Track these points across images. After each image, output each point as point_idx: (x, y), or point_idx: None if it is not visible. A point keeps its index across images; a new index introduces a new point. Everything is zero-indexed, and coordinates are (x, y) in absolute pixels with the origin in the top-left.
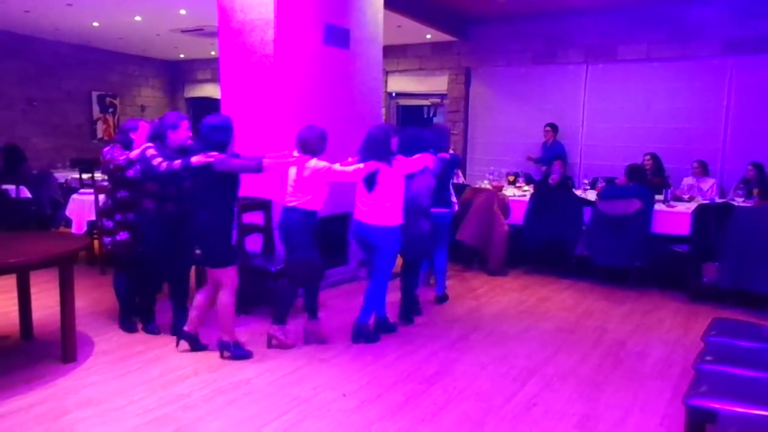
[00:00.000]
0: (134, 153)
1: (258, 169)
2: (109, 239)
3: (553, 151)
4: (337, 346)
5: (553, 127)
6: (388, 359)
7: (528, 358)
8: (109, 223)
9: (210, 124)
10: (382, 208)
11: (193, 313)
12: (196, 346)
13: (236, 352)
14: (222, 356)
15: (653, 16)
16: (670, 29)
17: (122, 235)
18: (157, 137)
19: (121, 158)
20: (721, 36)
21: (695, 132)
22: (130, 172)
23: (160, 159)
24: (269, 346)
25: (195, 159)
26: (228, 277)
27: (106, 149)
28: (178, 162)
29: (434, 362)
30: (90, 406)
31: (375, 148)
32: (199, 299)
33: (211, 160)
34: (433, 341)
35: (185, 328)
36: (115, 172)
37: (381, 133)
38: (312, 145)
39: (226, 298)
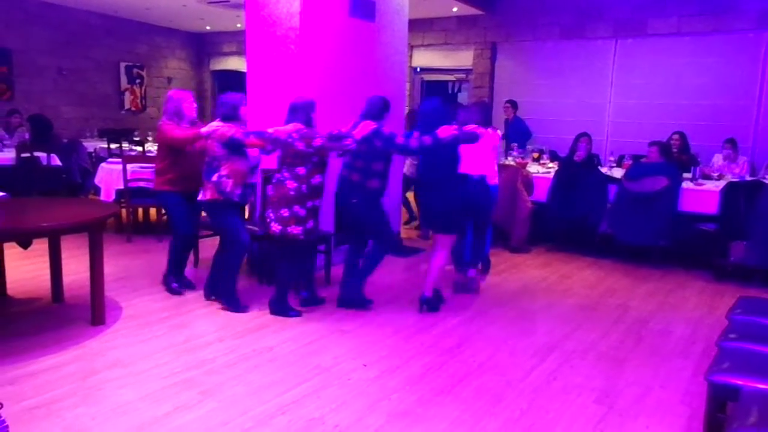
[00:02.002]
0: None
1: (476, 138)
2: (300, 228)
3: (515, 129)
4: (357, 318)
5: (513, 104)
6: (408, 331)
7: (548, 334)
8: (302, 211)
9: (430, 108)
10: (494, 170)
11: (431, 278)
12: (436, 307)
13: (436, 304)
14: (420, 310)
15: None
16: (703, 2)
17: (311, 223)
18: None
19: (348, 142)
20: (756, 8)
21: (727, 108)
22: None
23: (402, 137)
24: (472, 292)
25: (442, 133)
26: (449, 241)
27: (289, 131)
28: (427, 137)
29: (454, 336)
30: (117, 368)
31: (487, 117)
32: (432, 261)
33: (457, 132)
34: (453, 315)
35: (426, 294)
36: (314, 155)
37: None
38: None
39: (443, 258)
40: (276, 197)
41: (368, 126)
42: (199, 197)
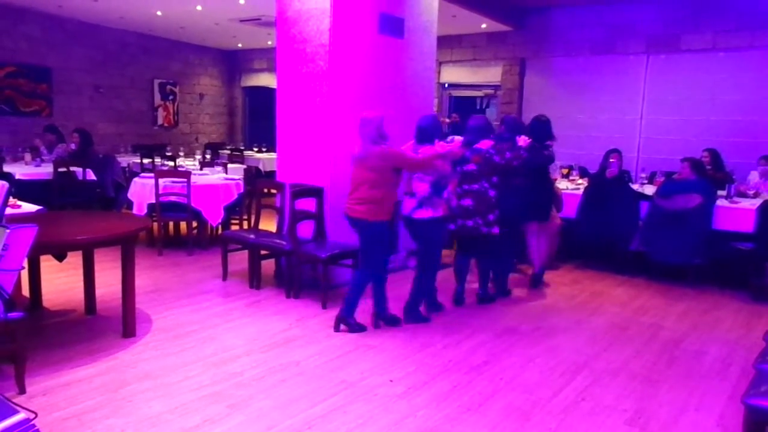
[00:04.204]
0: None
1: None
2: (498, 228)
3: None
4: (384, 333)
5: None
6: (435, 348)
7: (578, 353)
8: (498, 213)
9: (543, 126)
10: None
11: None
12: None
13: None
14: (533, 287)
15: (720, 3)
16: (738, 17)
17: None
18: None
19: (523, 152)
20: None
21: (763, 125)
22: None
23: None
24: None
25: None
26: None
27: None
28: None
29: (482, 352)
30: (147, 379)
31: None
32: (536, 246)
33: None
34: (480, 332)
35: (537, 271)
36: (504, 165)
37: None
38: None
39: (551, 240)
40: (483, 205)
41: (526, 139)
42: (425, 215)
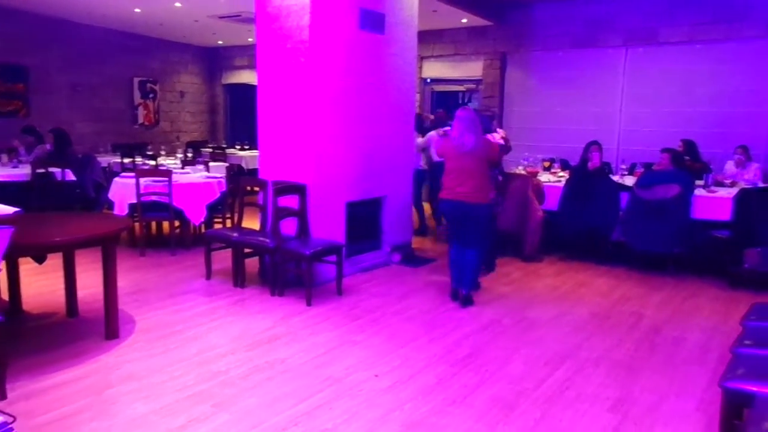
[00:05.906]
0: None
1: None
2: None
3: None
4: (369, 328)
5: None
6: (420, 342)
7: (561, 343)
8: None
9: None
10: None
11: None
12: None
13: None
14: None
15: None
16: (714, 10)
17: None
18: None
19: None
20: (767, 16)
21: (739, 116)
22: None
23: None
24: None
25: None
26: None
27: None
28: None
29: (466, 345)
30: (132, 381)
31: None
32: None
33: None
34: (465, 325)
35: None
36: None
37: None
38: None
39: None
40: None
41: (502, 132)
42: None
